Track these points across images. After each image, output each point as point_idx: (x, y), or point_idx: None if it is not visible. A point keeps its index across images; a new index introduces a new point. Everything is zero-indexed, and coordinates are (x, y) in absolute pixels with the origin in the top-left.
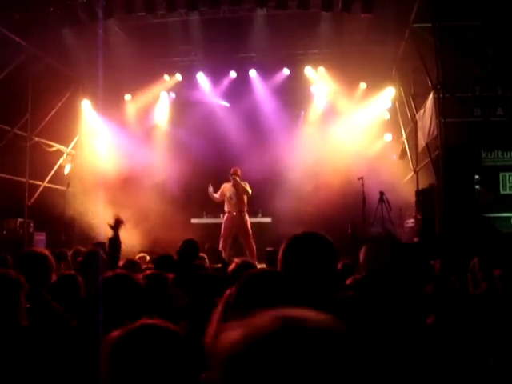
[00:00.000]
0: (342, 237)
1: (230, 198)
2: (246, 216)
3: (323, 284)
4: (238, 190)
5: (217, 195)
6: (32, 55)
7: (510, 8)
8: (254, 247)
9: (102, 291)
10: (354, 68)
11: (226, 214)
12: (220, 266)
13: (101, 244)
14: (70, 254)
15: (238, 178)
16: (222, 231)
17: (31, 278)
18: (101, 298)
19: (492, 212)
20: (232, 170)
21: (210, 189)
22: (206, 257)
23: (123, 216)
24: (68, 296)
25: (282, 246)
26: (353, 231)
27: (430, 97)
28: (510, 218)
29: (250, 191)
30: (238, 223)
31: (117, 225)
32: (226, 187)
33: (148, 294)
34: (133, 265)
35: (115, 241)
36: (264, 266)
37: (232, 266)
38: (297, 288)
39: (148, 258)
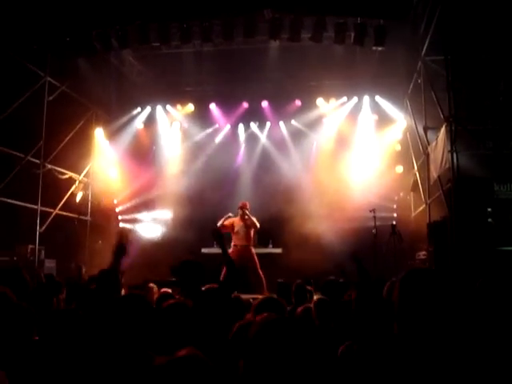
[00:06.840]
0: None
1: (238, 232)
2: (253, 249)
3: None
4: (246, 224)
5: (225, 222)
6: (47, 84)
7: None
8: (264, 279)
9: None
10: (365, 99)
11: (233, 247)
12: None
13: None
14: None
15: (247, 211)
16: None
17: None
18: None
19: (505, 245)
20: (240, 203)
21: (230, 214)
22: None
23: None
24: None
25: (397, 283)
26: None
27: (442, 129)
28: None
29: (258, 225)
30: (246, 256)
31: (120, 251)
32: (236, 221)
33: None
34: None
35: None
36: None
37: (255, 303)
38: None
39: (156, 288)
